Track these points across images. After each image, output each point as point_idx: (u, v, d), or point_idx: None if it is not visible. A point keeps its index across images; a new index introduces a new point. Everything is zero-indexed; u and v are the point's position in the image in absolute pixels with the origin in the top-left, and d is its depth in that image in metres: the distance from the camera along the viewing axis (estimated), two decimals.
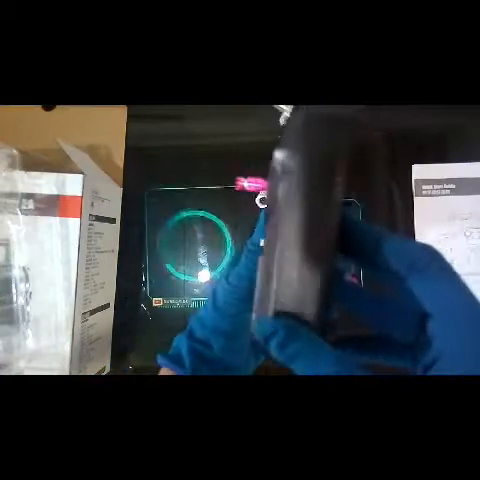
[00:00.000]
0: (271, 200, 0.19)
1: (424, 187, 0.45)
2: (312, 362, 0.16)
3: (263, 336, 0.17)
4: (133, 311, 0.47)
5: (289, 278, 0.17)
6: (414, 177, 0.46)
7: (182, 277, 0.48)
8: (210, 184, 0.48)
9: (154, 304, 0.48)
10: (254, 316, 0.19)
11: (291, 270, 0.17)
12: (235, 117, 0.48)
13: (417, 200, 0.45)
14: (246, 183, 0.24)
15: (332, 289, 0.18)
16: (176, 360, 0.26)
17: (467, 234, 0.44)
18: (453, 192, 0.45)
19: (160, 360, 0.27)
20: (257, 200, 0.20)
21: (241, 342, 0.26)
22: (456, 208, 0.45)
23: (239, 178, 0.24)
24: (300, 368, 0.16)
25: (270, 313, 0.18)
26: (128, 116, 0.48)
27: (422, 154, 0.46)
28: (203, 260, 0.48)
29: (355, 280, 0.44)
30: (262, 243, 0.19)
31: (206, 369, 0.25)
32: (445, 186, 0.45)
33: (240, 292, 0.24)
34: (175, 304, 0.47)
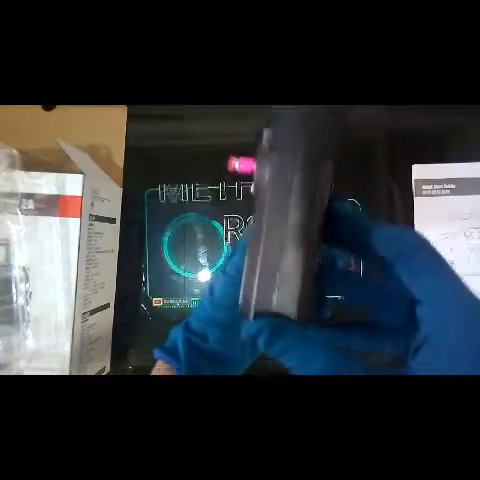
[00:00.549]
0: (258, 181, 0.19)
1: (424, 187, 0.45)
2: (302, 355, 0.16)
3: (249, 336, 0.17)
4: (133, 311, 0.47)
5: (273, 260, 0.17)
6: (414, 177, 0.46)
7: (182, 277, 0.48)
8: (210, 184, 0.48)
9: (154, 304, 0.48)
10: (240, 305, 0.18)
11: (275, 252, 0.17)
12: (235, 117, 0.48)
13: (417, 200, 0.45)
14: (238, 164, 0.23)
15: (320, 274, 0.18)
16: (172, 352, 0.26)
17: (467, 234, 0.44)
18: (453, 192, 0.45)
19: (156, 353, 0.26)
20: (251, 189, 0.20)
21: (237, 334, 0.26)
22: (456, 208, 0.45)
23: (231, 157, 0.23)
24: (291, 361, 0.16)
25: (253, 304, 0.17)
26: (128, 116, 0.48)
27: (422, 154, 0.46)
28: (203, 260, 0.48)
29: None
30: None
31: (202, 361, 0.25)
32: (445, 186, 0.45)
33: (237, 283, 0.24)
34: (175, 304, 0.47)
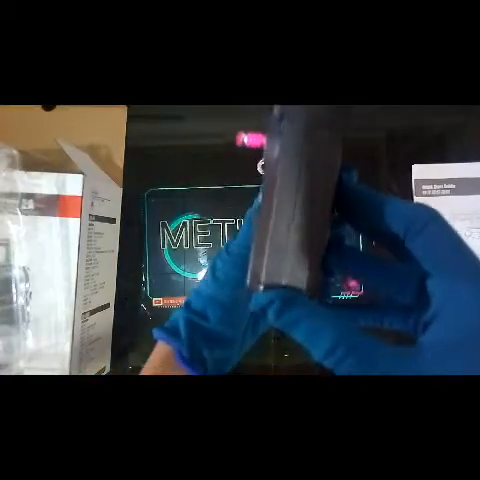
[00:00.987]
0: (268, 155, 0.18)
1: (424, 187, 0.45)
2: (312, 328, 0.16)
3: (259, 307, 0.16)
4: (133, 311, 0.47)
5: (284, 235, 0.17)
6: (414, 177, 0.46)
7: (182, 277, 0.48)
8: (210, 184, 0.48)
9: (154, 304, 0.48)
10: (248, 279, 0.18)
11: (286, 226, 0.17)
12: (235, 117, 0.48)
13: (417, 200, 0.45)
14: (246, 138, 0.23)
15: (329, 251, 0.18)
16: (172, 332, 0.25)
17: (467, 234, 0.44)
18: (453, 192, 0.45)
19: (156, 333, 0.26)
20: (258, 166, 0.20)
21: (239, 314, 0.25)
22: (456, 208, 0.45)
23: (239, 133, 0.23)
24: (300, 334, 0.16)
25: (263, 277, 0.17)
26: (128, 116, 0.48)
27: (422, 154, 0.46)
28: (203, 260, 0.48)
29: (354, 284, 0.44)
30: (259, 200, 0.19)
31: (202, 342, 0.25)
32: (445, 186, 0.45)
33: (240, 262, 0.24)
34: (175, 304, 0.47)
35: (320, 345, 0.15)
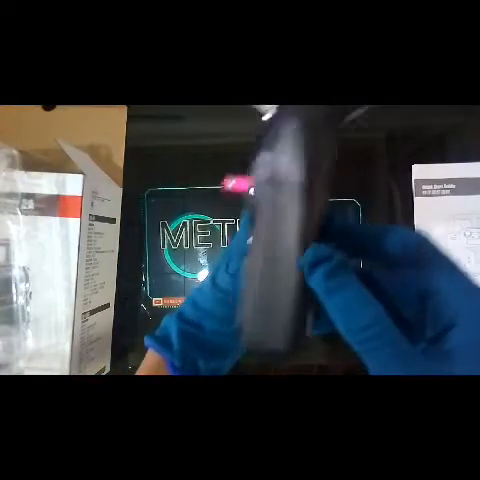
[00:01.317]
0: (255, 202, 0.19)
1: (424, 187, 0.45)
2: (357, 297, 0.16)
3: (312, 261, 0.16)
4: (133, 311, 0.47)
5: (272, 279, 0.18)
6: (414, 177, 0.46)
7: (182, 277, 0.48)
8: (210, 184, 0.48)
9: (154, 304, 0.48)
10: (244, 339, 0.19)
11: (275, 271, 0.18)
12: (235, 117, 0.48)
13: (417, 200, 0.45)
14: (232, 183, 0.23)
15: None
16: (164, 342, 0.25)
17: (467, 234, 0.44)
18: (453, 192, 0.45)
19: (147, 341, 0.26)
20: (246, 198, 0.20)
21: (236, 327, 0.26)
22: (456, 208, 0.45)
23: (227, 177, 0.23)
24: (342, 301, 0.16)
25: (256, 321, 0.19)
26: (128, 116, 0.48)
27: (422, 154, 0.46)
28: (203, 260, 0.48)
29: None
30: (249, 242, 0.20)
31: (195, 352, 0.25)
32: (445, 186, 0.45)
33: (240, 281, 0.24)
34: (175, 304, 0.47)
35: (361, 316, 0.15)
